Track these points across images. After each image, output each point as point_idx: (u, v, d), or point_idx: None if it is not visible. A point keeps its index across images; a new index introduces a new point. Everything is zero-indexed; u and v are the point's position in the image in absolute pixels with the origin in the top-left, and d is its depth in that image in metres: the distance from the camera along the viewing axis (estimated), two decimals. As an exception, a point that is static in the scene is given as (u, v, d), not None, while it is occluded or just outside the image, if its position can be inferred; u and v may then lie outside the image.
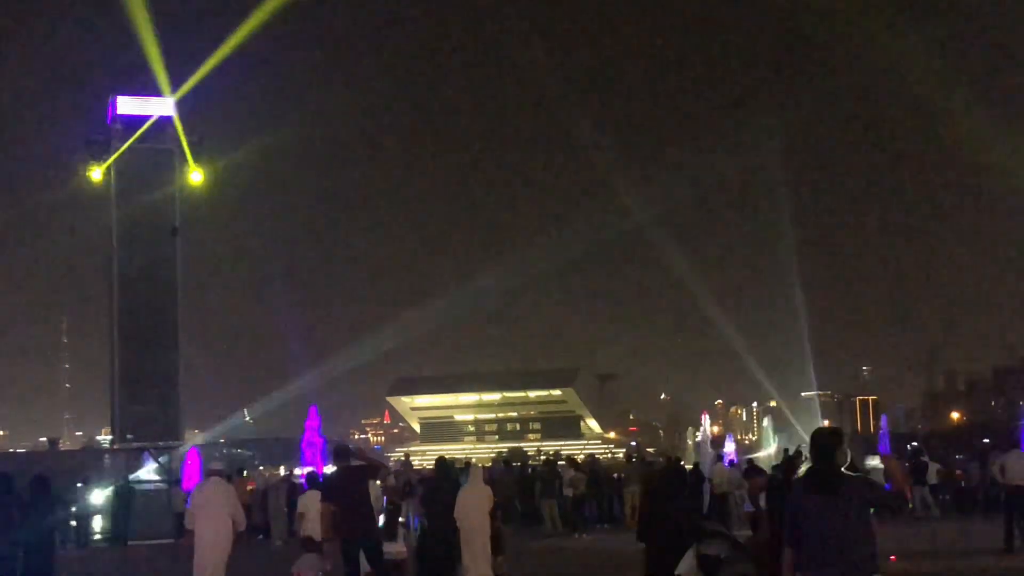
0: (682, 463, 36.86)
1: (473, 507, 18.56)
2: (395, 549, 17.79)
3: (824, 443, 8.84)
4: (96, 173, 41.13)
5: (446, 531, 18.65)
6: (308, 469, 46.53)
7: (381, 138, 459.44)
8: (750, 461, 40.86)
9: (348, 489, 16.47)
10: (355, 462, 17.31)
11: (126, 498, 35.78)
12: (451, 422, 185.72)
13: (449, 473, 20.92)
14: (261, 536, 33.64)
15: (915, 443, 63.65)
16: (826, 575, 8.55)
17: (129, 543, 34.46)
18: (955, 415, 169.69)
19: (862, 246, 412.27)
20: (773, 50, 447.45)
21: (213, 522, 16.66)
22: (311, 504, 19.44)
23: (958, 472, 40.77)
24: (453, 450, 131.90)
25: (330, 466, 35.41)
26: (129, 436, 39.77)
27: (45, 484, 20.44)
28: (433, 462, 22.19)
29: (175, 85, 42.50)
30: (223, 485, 17.64)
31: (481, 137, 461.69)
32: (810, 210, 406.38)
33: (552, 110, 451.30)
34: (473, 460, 46.04)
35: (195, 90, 43.10)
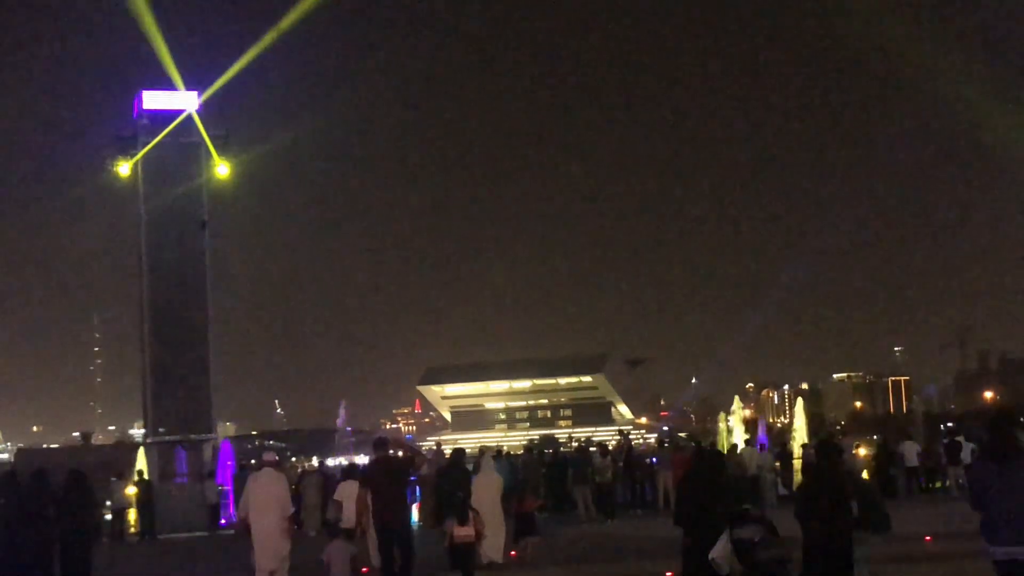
0: (716, 447, 36.79)
1: (484, 493, 19.86)
2: (464, 532, 18.55)
3: (1000, 419, 9.81)
4: (124, 168, 41.28)
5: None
6: (344, 460, 46.76)
7: (410, 127, 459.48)
8: (783, 445, 40.82)
9: (386, 479, 17.14)
10: (393, 453, 17.99)
11: (147, 492, 35.83)
12: (482, 410, 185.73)
13: (460, 462, 22.27)
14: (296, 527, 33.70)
15: (951, 424, 63.35)
16: (1006, 539, 9.27)
17: (160, 537, 34.54)
18: (988, 394, 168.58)
19: (894, 225, 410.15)
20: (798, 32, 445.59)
21: (270, 512, 17.33)
22: (348, 493, 20.16)
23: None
24: (484, 438, 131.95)
25: (361, 456, 35.68)
26: (161, 429, 39.92)
27: (80, 479, 20.56)
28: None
29: (201, 79, 42.62)
30: (276, 475, 18.34)
31: (506, 126, 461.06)
32: (842, 190, 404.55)
33: (580, 97, 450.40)
34: (504, 448, 46.15)
35: (221, 83, 43.18)
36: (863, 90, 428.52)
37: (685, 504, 14.24)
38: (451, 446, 42.09)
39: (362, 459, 59.60)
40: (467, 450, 25.45)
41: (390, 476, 17.31)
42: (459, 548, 18.67)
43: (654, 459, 36.95)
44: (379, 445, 18.25)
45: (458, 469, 21.73)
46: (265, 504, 17.44)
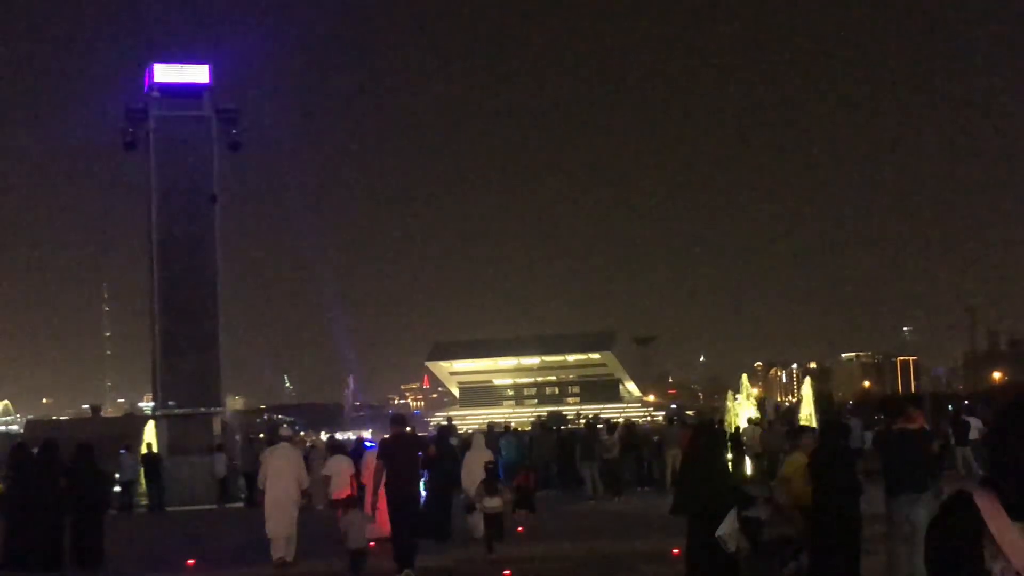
0: (719, 424, 36.85)
1: (475, 468, 21.05)
2: (493, 503, 19.67)
3: None
4: (133, 142, 41.32)
5: (442, 490, 22.04)
6: (328, 435, 46.94)
7: (419, 102, 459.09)
8: (790, 423, 40.77)
9: (400, 453, 17.92)
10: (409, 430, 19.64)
11: (153, 465, 35.92)
12: (490, 386, 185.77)
13: (446, 438, 24.42)
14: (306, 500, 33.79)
15: (965, 403, 63.19)
16: None
17: (169, 509, 34.63)
18: (997, 375, 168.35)
19: (902, 204, 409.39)
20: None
21: (284, 484, 18.74)
22: (336, 467, 21.84)
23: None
24: (492, 414, 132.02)
25: (367, 432, 35.94)
26: (171, 403, 39.98)
27: (88, 451, 20.67)
28: (472, 427, 24.30)
29: (212, 51, 42.53)
30: (291, 450, 19.97)
31: (516, 103, 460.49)
32: (849, 169, 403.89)
33: (589, 73, 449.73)
34: (512, 424, 46.27)
35: (233, 56, 43.20)
36: (873, 69, 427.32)
37: (684, 484, 14.17)
38: (458, 422, 42.38)
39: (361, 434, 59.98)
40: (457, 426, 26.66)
41: (405, 450, 18.08)
42: (488, 518, 19.66)
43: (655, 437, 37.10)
44: (396, 421, 19.31)
45: (445, 444, 23.44)
46: (280, 476, 18.72)
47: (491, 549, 19.32)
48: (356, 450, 28.92)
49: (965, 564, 3.50)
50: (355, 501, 18.54)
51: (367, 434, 56.64)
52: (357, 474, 21.52)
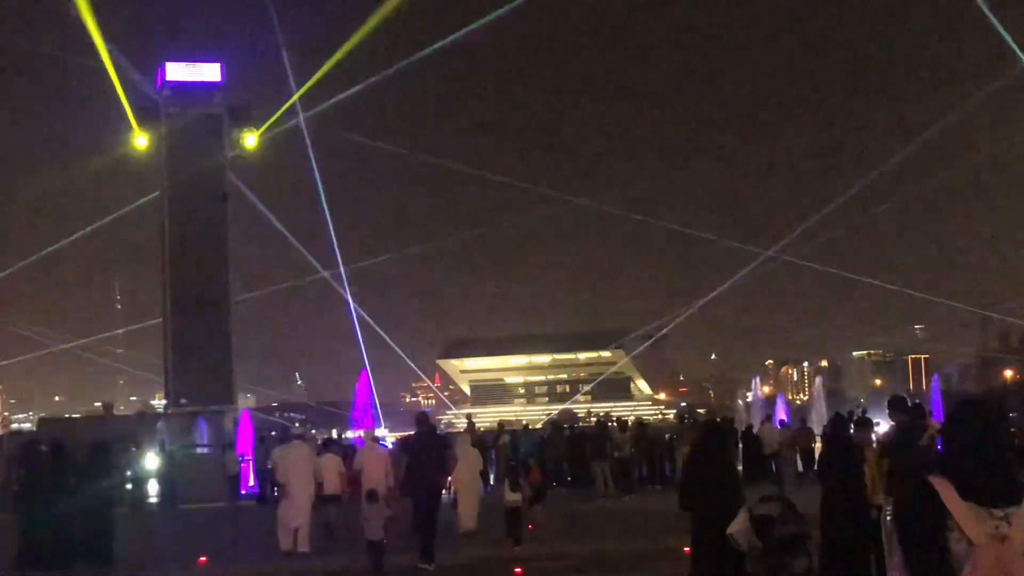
0: (724, 421, 36.83)
1: (464, 469, 21.78)
2: (514, 497, 20.35)
3: None
4: (142, 140, 41.37)
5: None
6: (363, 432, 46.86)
7: (435, 97, 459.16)
8: (803, 420, 40.74)
9: (425, 451, 18.88)
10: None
11: (167, 462, 36.00)
12: (501, 384, 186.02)
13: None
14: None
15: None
16: None
17: (180, 506, 34.69)
18: (1008, 373, 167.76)
19: (913, 200, 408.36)
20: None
21: (299, 480, 19.95)
22: (326, 465, 22.29)
23: (1012, 430, 40.24)
24: (503, 412, 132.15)
25: (371, 432, 36.25)
26: (183, 401, 40.05)
27: (104, 450, 20.78)
28: (483, 424, 24.79)
29: (224, 50, 42.58)
30: (305, 448, 21.34)
31: (531, 98, 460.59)
32: (859, 163, 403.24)
33: (601, 67, 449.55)
34: (525, 423, 46.25)
35: (245, 54, 43.23)
36: (890, 61, 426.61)
37: (691, 484, 14.16)
38: (476, 420, 42.39)
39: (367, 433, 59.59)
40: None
41: (429, 447, 19.01)
42: (508, 512, 20.30)
43: (666, 434, 37.14)
44: (421, 420, 20.38)
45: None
46: (295, 472, 19.97)
47: (517, 542, 19.93)
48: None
49: (931, 537, 4.52)
50: (374, 495, 18.77)
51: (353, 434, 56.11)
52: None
